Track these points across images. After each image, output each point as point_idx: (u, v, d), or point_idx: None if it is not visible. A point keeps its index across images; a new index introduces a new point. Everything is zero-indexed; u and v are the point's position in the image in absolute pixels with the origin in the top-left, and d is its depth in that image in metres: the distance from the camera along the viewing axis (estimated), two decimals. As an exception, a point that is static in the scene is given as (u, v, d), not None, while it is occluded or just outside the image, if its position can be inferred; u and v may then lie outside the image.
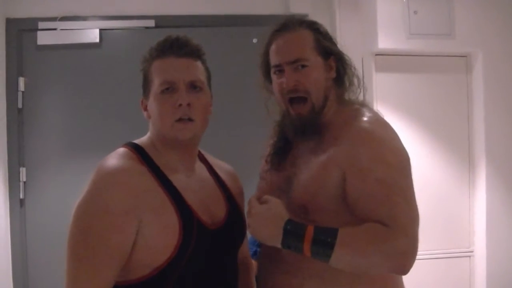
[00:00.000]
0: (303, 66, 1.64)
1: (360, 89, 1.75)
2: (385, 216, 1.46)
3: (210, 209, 1.55)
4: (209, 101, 1.58)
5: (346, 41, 1.77)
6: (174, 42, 1.52)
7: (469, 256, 3.37)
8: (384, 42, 3.20)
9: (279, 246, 1.50)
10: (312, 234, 1.45)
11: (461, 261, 3.37)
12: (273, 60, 1.69)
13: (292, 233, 1.48)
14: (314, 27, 1.71)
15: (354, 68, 1.75)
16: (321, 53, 1.67)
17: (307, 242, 1.45)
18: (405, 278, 1.62)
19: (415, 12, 3.21)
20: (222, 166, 1.76)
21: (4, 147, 3.17)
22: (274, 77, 1.70)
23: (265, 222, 1.52)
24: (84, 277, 1.35)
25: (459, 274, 3.36)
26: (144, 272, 1.41)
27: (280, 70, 1.67)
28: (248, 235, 1.64)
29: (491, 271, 3.26)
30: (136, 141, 1.56)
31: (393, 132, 1.63)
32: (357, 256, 1.46)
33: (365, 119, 1.63)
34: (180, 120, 1.48)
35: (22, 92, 3.20)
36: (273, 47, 1.69)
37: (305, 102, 1.65)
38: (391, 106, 3.18)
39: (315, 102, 1.65)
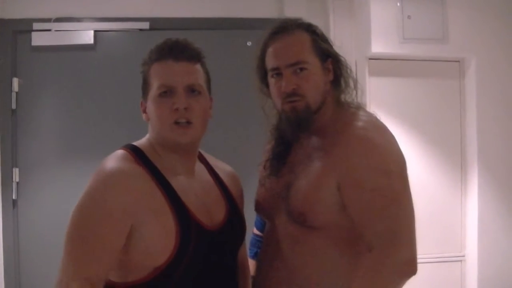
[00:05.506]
0: (301, 69, 1.61)
1: (356, 91, 1.74)
2: (381, 228, 1.48)
3: (209, 210, 1.55)
4: (208, 105, 1.57)
5: (340, 45, 1.77)
6: (173, 46, 1.52)
7: (461, 261, 3.37)
8: (378, 47, 3.20)
9: None
10: None
11: (452, 265, 3.36)
12: (271, 63, 1.65)
13: None
14: (310, 29, 1.68)
15: (350, 70, 1.74)
16: (318, 55, 1.65)
17: None
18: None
19: (409, 17, 3.22)
20: (222, 167, 1.75)
21: (-3, 147, 3.17)
22: (271, 80, 1.66)
23: None
24: (71, 267, 1.35)
25: (451, 279, 3.36)
26: (143, 273, 1.42)
27: (278, 73, 1.63)
28: (249, 236, 1.64)
29: (483, 275, 3.26)
30: (135, 143, 1.56)
31: (389, 136, 1.63)
32: None
33: (362, 124, 1.62)
34: (177, 123, 1.48)
35: (16, 93, 3.20)
36: (270, 50, 1.65)
37: (301, 101, 1.61)
38: (384, 110, 3.13)
39: (311, 103, 1.62)
